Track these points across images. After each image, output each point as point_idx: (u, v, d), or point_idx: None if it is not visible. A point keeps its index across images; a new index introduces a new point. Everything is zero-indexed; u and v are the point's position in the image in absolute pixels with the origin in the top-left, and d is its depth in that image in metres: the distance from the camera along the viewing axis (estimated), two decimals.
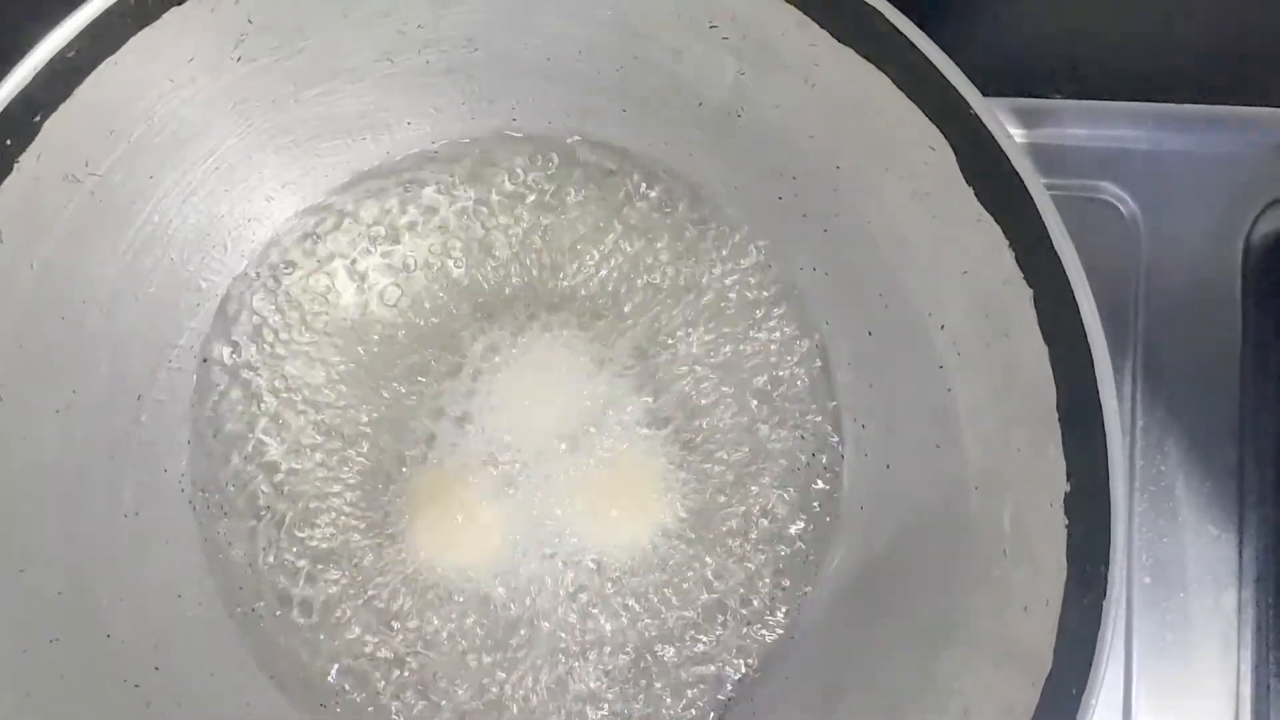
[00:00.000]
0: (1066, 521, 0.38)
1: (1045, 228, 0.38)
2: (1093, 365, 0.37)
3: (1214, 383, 0.52)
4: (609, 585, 0.48)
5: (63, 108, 0.40)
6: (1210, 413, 0.52)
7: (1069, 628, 0.37)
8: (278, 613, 0.48)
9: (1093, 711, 0.36)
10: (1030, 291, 0.39)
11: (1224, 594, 0.50)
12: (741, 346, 0.49)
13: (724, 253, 0.50)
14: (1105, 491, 0.37)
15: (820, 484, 0.49)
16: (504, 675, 0.48)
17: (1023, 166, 0.38)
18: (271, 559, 0.48)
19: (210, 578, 0.48)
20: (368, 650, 0.48)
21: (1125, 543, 0.37)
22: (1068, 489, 0.38)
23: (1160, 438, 0.52)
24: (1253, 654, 0.50)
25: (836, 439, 0.49)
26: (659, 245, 0.50)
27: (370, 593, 0.48)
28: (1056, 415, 0.38)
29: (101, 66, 0.40)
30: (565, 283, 0.50)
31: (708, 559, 0.48)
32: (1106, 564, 0.37)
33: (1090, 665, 0.36)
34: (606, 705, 0.47)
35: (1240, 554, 0.51)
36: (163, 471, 0.48)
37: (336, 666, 0.48)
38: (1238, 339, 0.52)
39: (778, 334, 0.49)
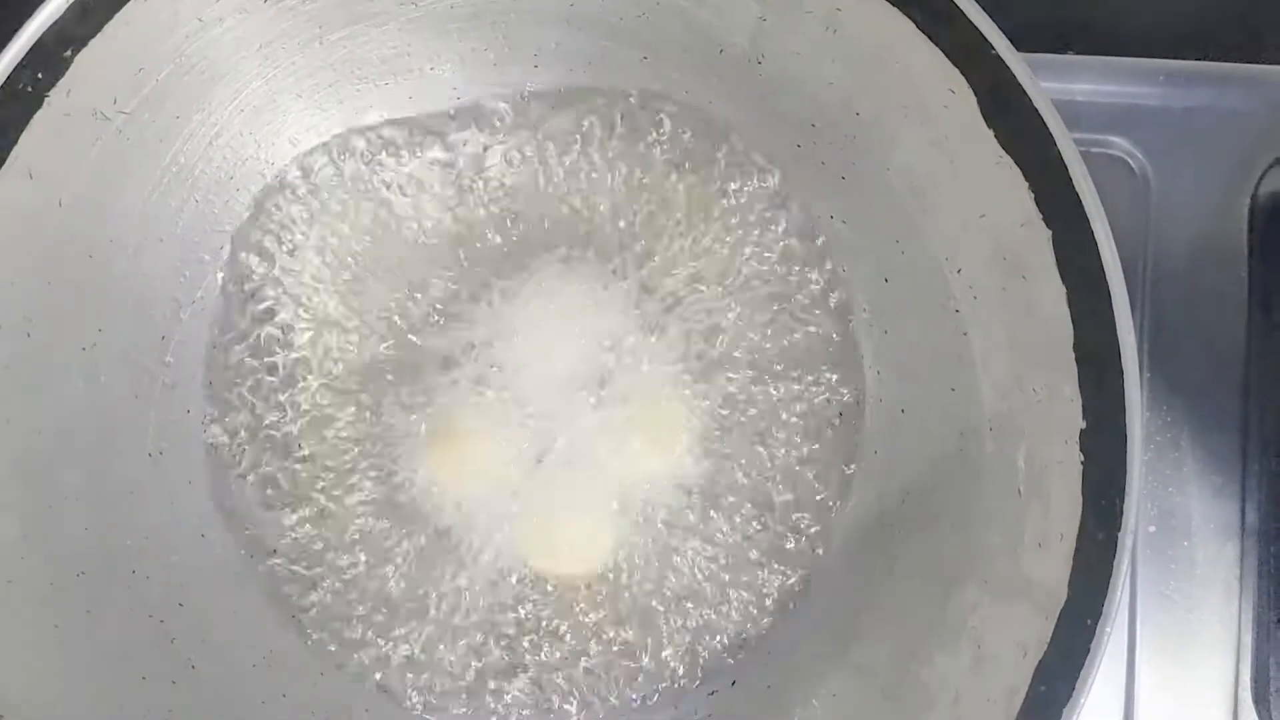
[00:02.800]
0: (1082, 458, 0.38)
1: (1066, 168, 0.38)
2: (1111, 304, 0.38)
3: (1220, 336, 0.52)
4: (625, 523, 0.48)
5: (93, 43, 0.40)
6: (1216, 366, 0.52)
7: (1084, 561, 0.38)
8: (291, 560, 0.48)
9: (1107, 639, 0.36)
10: (1049, 233, 0.39)
11: (1227, 544, 0.51)
12: (758, 292, 0.50)
13: (742, 200, 0.50)
14: (1121, 427, 0.37)
15: (835, 429, 0.49)
16: (522, 618, 0.48)
17: (1045, 107, 0.38)
18: (285, 508, 0.49)
19: (229, 520, 0.48)
20: (384, 604, 0.48)
21: (1140, 476, 0.37)
22: (1083, 426, 0.38)
23: (1166, 390, 0.52)
24: (1254, 603, 0.50)
25: (852, 383, 0.49)
26: (677, 191, 0.50)
27: (387, 543, 0.48)
28: (1074, 355, 0.39)
29: (132, 2, 0.41)
30: (584, 223, 0.50)
31: (723, 501, 0.49)
32: (1122, 497, 0.37)
33: (1105, 595, 0.37)
34: (620, 644, 0.48)
35: (1243, 505, 0.51)
36: (185, 413, 0.48)
37: (355, 617, 0.48)
38: (1244, 293, 0.52)
39: (794, 280, 0.50)
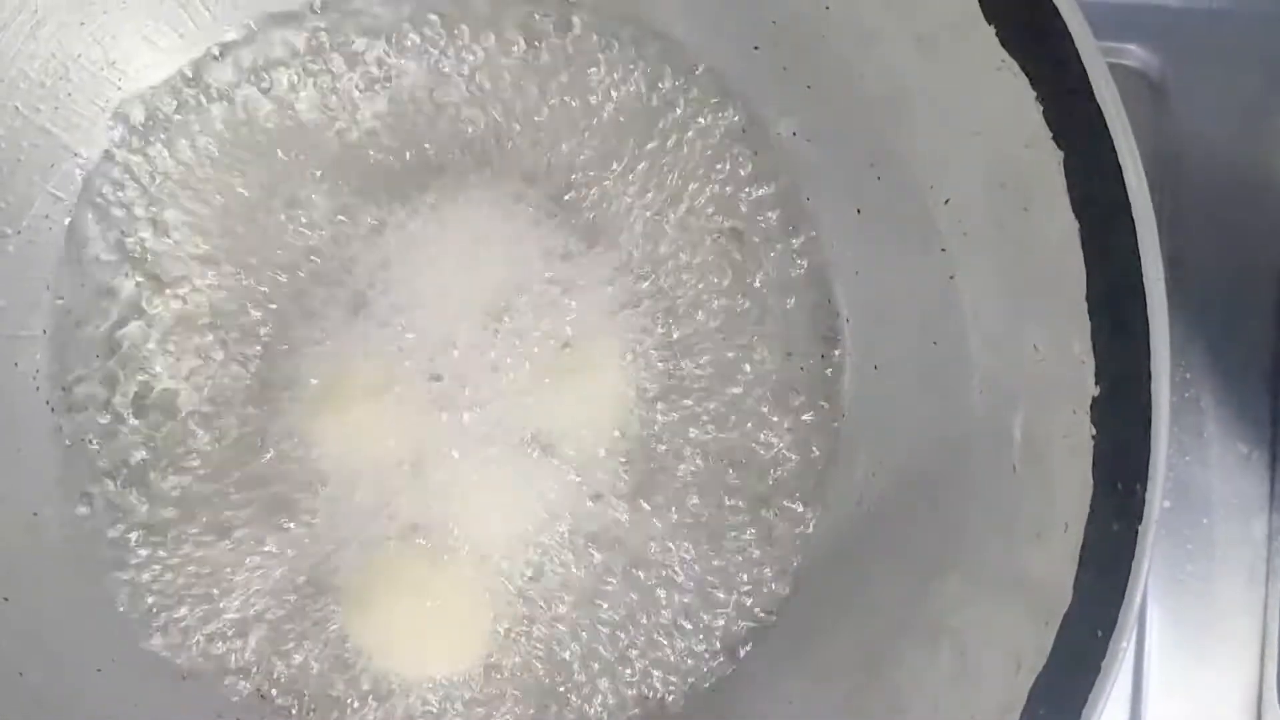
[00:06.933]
0: (1094, 431, 0.33)
1: (1085, 72, 0.32)
2: (1136, 242, 0.32)
3: (1250, 278, 0.47)
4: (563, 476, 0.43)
5: None
6: (1244, 313, 0.48)
7: (1093, 558, 0.32)
8: (139, 545, 0.42)
9: (1122, 657, 0.31)
10: (1060, 154, 0.33)
11: (1253, 520, 0.47)
12: (707, 223, 0.44)
13: (690, 113, 0.44)
14: (1145, 395, 0.32)
15: (797, 389, 0.44)
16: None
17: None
18: (136, 484, 0.42)
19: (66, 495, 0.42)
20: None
21: (1166, 456, 0.31)
22: (1096, 393, 0.33)
23: (1185, 342, 0.47)
24: None
25: (817, 335, 0.44)
26: (606, 104, 0.44)
27: (255, 512, 0.42)
28: (1086, 305, 0.33)
29: None
30: (505, 141, 0.44)
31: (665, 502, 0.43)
32: (1144, 482, 0.31)
33: (1121, 603, 0.31)
34: (571, 651, 0.43)
35: (1273, 475, 0.47)
36: (14, 366, 0.41)
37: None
38: (1278, 227, 0.48)
39: (750, 210, 0.44)
